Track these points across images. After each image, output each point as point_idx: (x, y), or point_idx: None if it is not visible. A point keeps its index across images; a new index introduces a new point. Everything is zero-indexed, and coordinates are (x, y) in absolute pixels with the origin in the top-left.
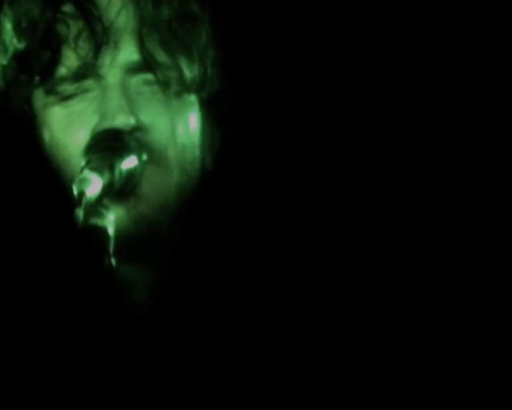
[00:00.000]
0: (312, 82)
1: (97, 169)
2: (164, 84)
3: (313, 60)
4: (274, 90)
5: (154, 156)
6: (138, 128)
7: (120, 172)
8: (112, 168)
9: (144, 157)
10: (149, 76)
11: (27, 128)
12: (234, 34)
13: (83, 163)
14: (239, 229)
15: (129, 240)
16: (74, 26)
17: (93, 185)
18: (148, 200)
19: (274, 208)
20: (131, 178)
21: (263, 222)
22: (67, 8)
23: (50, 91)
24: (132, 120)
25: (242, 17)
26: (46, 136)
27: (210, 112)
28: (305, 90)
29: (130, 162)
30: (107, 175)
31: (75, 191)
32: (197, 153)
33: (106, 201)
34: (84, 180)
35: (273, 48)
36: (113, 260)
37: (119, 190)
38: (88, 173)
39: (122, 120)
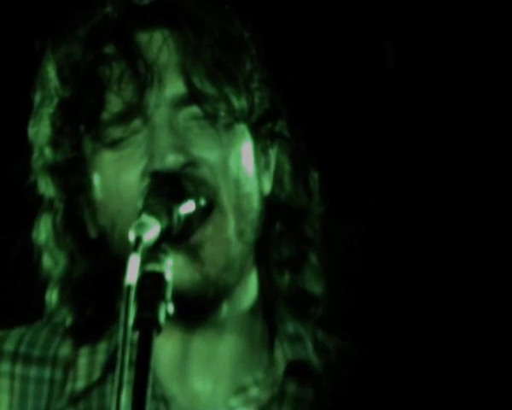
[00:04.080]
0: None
1: (155, 214)
2: (212, 118)
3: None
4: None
5: (208, 194)
6: (189, 164)
7: (178, 217)
8: (170, 213)
9: (202, 202)
10: (197, 110)
11: (77, 175)
12: (277, 52)
13: (140, 207)
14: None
15: (190, 289)
16: (117, 68)
17: (151, 230)
18: (208, 249)
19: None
20: (189, 222)
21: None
22: (109, 49)
23: (97, 138)
24: (182, 158)
25: (283, 33)
26: (97, 182)
27: (260, 133)
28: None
29: (188, 207)
30: (165, 220)
31: (132, 236)
32: (253, 184)
33: (164, 245)
34: (141, 225)
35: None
36: (170, 307)
37: (177, 235)
38: (146, 218)
39: (172, 159)
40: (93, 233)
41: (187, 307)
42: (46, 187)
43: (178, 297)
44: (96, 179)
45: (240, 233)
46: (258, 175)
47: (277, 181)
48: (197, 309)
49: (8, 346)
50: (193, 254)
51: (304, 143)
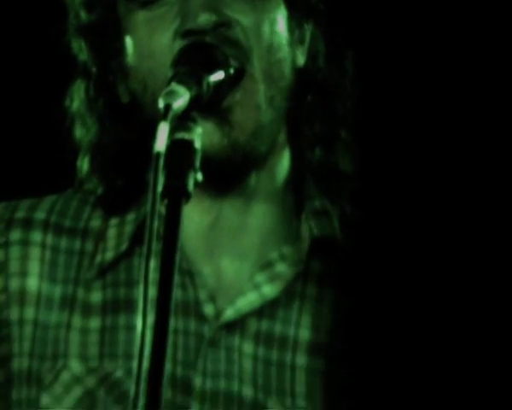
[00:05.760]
0: None
1: (185, 82)
2: None
3: None
4: None
5: (239, 56)
6: (222, 24)
7: (208, 85)
8: (199, 81)
9: (231, 71)
10: None
11: (111, 38)
12: None
13: (170, 76)
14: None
15: (218, 154)
16: None
17: (180, 98)
18: (238, 114)
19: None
20: (218, 91)
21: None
22: None
23: None
24: (214, 17)
25: None
26: (130, 44)
27: (295, 5)
28: None
29: (217, 76)
30: (194, 88)
31: (161, 104)
32: (285, 52)
33: (193, 114)
34: (171, 93)
35: None
36: (199, 176)
37: (207, 103)
38: (175, 86)
39: (204, 18)
40: (125, 98)
41: (216, 174)
42: (80, 51)
43: (207, 163)
44: (129, 41)
45: (270, 99)
46: (292, 46)
47: (311, 57)
48: (226, 176)
49: (40, 215)
50: (222, 119)
51: (340, 23)
